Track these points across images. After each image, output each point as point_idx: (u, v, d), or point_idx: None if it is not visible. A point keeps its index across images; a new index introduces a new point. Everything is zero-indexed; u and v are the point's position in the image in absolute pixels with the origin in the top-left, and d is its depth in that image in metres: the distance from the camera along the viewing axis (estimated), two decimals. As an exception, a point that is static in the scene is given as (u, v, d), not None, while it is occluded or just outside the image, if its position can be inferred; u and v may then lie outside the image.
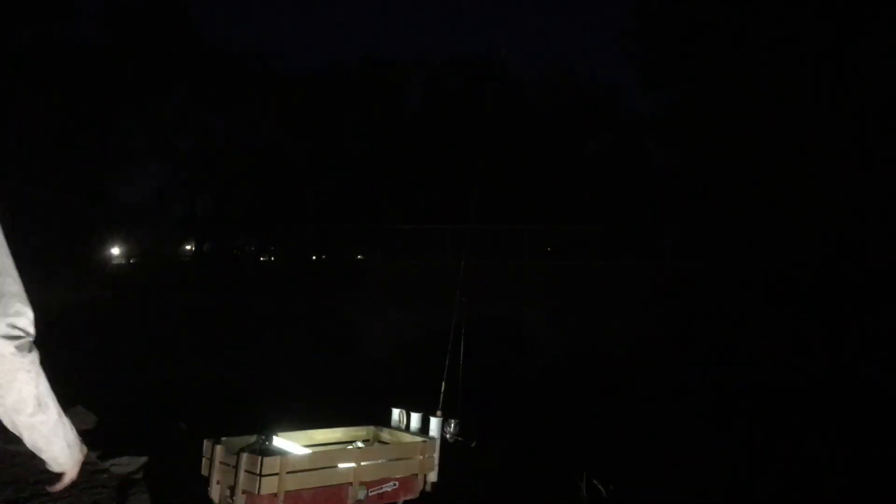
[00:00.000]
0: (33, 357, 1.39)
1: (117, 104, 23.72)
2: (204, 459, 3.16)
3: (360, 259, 23.32)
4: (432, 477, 3.43)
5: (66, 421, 1.53)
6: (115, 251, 27.20)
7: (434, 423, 3.53)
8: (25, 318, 1.37)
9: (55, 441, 1.51)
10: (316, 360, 13.23)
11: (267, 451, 3.01)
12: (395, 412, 3.69)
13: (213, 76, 26.29)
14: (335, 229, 23.23)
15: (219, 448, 3.10)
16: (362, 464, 3.17)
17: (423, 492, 3.38)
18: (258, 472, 2.86)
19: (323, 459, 3.14)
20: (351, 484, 3.13)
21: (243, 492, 2.90)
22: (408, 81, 31.87)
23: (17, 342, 1.35)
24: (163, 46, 24.97)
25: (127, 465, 4.53)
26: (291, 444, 3.28)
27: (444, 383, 3.65)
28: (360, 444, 3.48)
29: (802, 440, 7.96)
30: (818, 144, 18.95)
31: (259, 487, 2.85)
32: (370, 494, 3.18)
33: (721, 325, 15.12)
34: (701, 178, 22.02)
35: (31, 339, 1.36)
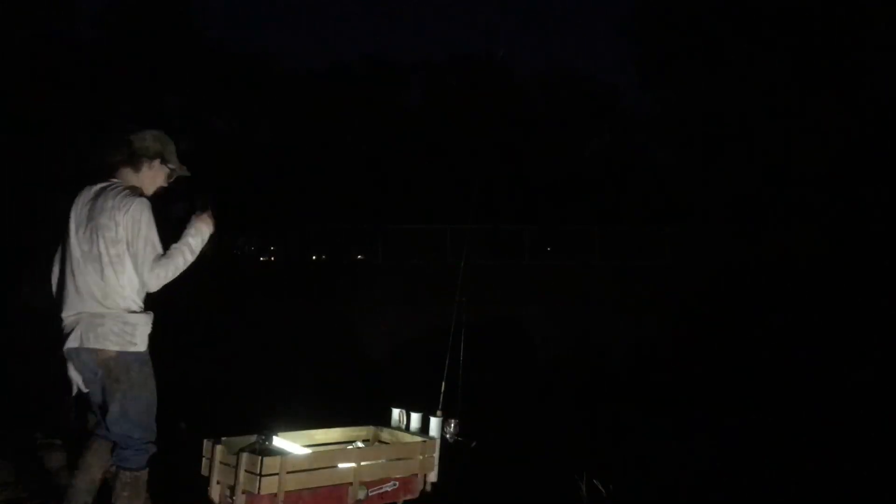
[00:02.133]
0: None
1: (117, 104, 23.70)
2: (204, 459, 3.16)
3: (360, 259, 23.28)
4: (432, 477, 3.42)
5: (185, 250, 3.07)
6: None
7: (434, 423, 3.52)
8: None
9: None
10: (316, 360, 13.22)
11: (267, 451, 3.01)
12: (395, 412, 3.68)
13: (213, 76, 26.25)
14: (335, 229, 23.18)
15: (219, 448, 3.10)
16: (362, 464, 3.17)
17: (423, 492, 3.38)
18: (258, 472, 2.86)
19: (323, 459, 3.14)
20: (351, 484, 3.12)
21: (243, 492, 2.90)
22: (408, 81, 31.82)
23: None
24: (163, 46, 24.93)
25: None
26: (291, 444, 3.27)
27: (444, 383, 3.65)
28: (360, 444, 3.48)
29: (803, 441, 7.96)
30: (817, 143, 18.95)
31: (259, 487, 2.85)
32: (370, 494, 3.18)
33: (721, 326, 15.10)
34: (701, 177, 22.01)
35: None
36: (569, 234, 20.86)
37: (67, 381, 3.02)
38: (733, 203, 20.18)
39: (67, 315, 2.95)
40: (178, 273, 3.01)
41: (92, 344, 2.89)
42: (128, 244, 2.91)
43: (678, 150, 24.43)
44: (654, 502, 5.34)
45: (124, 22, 25.53)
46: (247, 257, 25.24)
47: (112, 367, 2.90)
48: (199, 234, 3.10)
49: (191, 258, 3.05)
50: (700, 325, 15.17)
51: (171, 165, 3.16)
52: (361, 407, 4.13)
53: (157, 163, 3.11)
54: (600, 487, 4.45)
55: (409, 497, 3.33)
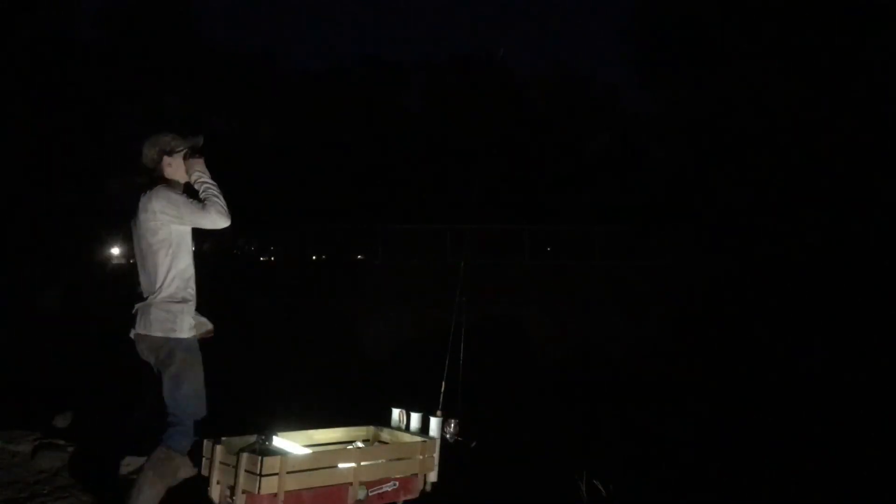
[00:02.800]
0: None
1: (117, 104, 23.71)
2: (204, 459, 3.16)
3: (360, 259, 23.26)
4: (432, 477, 3.42)
5: (207, 186, 3.29)
6: (115, 251, 27.16)
7: (434, 423, 3.52)
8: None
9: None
10: (316, 360, 13.22)
11: (267, 451, 3.01)
12: (395, 412, 3.68)
13: (213, 76, 26.25)
14: (335, 229, 23.16)
15: (219, 448, 3.10)
16: (362, 464, 3.17)
17: (423, 492, 3.38)
18: (258, 472, 2.86)
19: (323, 459, 3.14)
20: (351, 484, 3.12)
21: (243, 492, 2.90)
22: (408, 82, 31.82)
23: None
24: (163, 46, 24.93)
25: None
26: (291, 444, 3.27)
27: (444, 383, 3.64)
28: (360, 444, 3.48)
29: (802, 441, 7.96)
30: (817, 143, 18.93)
31: (259, 487, 2.85)
32: (370, 494, 3.18)
33: (721, 326, 15.10)
34: (701, 177, 21.99)
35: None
36: (569, 234, 20.84)
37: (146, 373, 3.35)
38: (733, 203, 20.17)
39: (134, 308, 3.33)
40: (223, 200, 3.28)
41: (142, 330, 3.24)
42: (178, 219, 3.23)
43: (678, 150, 24.41)
44: (654, 502, 5.34)
45: (124, 22, 25.53)
46: (247, 257, 25.20)
47: (158, 352, 3.22)
48: (202, 171, 3.35)
49: (215, 187, 3.32)
50: (700, 324, 15.17)
51: (179, 149, 3.39)
52: (361, 407, 4.12)
53: (167, 158, 3.37)
54: (600, 487, 4.45)
55: (409, 497, 3.33)
